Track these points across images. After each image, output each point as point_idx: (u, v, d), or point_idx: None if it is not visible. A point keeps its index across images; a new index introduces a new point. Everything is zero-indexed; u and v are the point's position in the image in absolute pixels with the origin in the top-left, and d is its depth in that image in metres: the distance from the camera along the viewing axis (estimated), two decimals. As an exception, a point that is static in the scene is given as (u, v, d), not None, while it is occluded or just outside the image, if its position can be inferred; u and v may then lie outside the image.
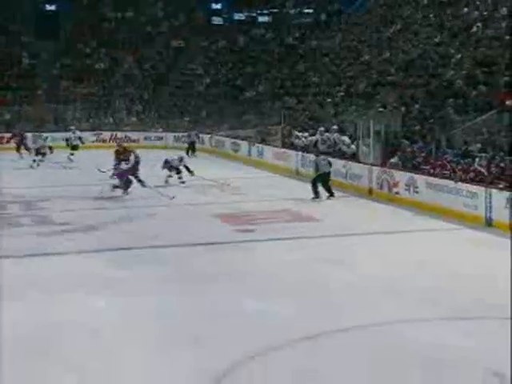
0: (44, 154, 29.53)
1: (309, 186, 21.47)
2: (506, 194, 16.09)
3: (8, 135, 37.08)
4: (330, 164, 21.71)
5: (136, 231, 16.95)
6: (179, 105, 40.53)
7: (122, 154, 21.58)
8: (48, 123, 38.07)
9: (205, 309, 11.03)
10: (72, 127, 33.44)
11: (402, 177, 20.11)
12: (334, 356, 9.11)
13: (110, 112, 40.41)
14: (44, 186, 24.26)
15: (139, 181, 21.06)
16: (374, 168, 21.68)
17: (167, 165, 24.32)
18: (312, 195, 20.60)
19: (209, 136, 35.89)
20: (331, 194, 20.85)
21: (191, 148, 34.09)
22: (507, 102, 20.80)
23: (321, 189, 20.74)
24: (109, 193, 20.99)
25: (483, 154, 19.19)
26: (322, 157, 22.08)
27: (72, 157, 31.54)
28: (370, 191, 20.87)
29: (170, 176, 24.21)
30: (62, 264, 13.73)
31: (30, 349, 9.35)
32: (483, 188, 16.83)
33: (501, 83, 22.71)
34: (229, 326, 10.17)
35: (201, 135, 36.07)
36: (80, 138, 32.62)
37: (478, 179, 17.72)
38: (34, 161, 29.65)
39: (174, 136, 37.72)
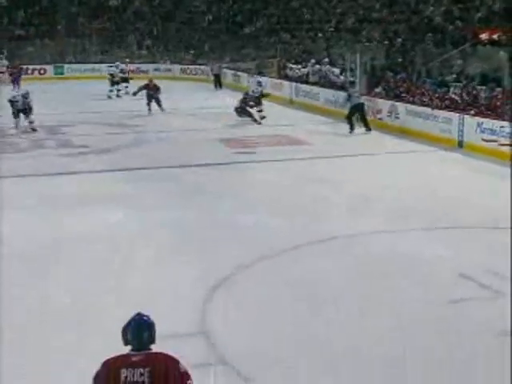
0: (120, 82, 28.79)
1: (301, 113, 21.52)
2: (477, 119, 16.25)
3: (32, 67, 36.23)
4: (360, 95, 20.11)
5: (147, 153, 16.90)
6: (184, 39, 39.84)
7: (151, 88, 22.30)
8: (68, 55, 37.69)
9: (206, 220, 11.17)
10: (117, 62, 30.71)
11: (384, 104, 20.23)
12: (317, 263, 9.21)
13: (122, 46, 39.76)
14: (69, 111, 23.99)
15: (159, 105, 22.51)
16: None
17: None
18: (348, 129, 18.86)
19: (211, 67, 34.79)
20: (368, 129, 18.94)
21: (218, 81, 32.98)
22: (480, 36, 20.62)
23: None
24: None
25: (457, 84, 19.19)
26: (354, 89, 20.39)
27: (127, 89, 28.71)
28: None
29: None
30: (79, 182, 13.74)
31: (53, 256, 9.48)
32: (457, 114, 16.96)
33: (475, 19, 22.41)
34: (227, 236, 10.29)
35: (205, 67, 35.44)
36: (122, 71, 29.98)
37: (452, 106, 17.75)
38: (111, 91, 28.51)
39: (181, 68, 37.08)
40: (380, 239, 10.04)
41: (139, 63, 37.40)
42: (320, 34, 31.28)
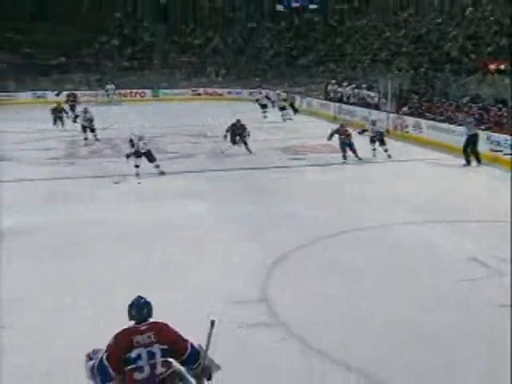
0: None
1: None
2: (487, 133, 15.70)
3: (135, 91, 36.35)
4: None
5: (222, 159, 16.73)
6: (252, 69, 39.58)
7: (238, 128, 16.51)
8: (162, 82, 37.55)
9: (268, 211, 11.03)
10: (259, 89, 29.16)
11: (410, 121, 19.70)
12: (359, 246, 9.00)
13: (204, 74, 39.75)
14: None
15: (245, 143, 16.86)
16: (391, 115, 21.16)
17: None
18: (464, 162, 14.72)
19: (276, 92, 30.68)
20: (478, 161, 14.52)
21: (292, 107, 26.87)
22: (489, 66, 20.22)
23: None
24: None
25: (473, 104, 18.60)
26: (469, 119, 15.53)
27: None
28: (388, 131, 20.19)
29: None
30: (169, 180, 13.75)
31: (153, 234, 9.57)
32: None
33: (485, 52, 21.96)
34: (284, 224, 10.11)
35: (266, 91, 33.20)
36: (267, 97, 26.58)
37: None
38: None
39: (249, 92, 35.58)
40: (410, 229, 9.75)
41: (216, 88, 37.47)
42: (359, 65, 30.78)
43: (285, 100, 25.10)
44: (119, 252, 8.84)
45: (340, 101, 26.97)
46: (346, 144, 15.23)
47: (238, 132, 16.75)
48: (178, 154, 17.51)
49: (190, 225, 10.15)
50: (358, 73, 29.59)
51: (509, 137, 14.73)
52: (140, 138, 13.76)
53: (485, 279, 7.55)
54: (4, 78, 34.22)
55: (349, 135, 15.27)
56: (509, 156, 14.37)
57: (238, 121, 16.74)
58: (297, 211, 10.84)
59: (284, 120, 23.89)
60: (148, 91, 36.67)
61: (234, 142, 16.79)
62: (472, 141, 14.76)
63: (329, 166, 15.40)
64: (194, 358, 4.03)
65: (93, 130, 19.00)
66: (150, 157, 13.89)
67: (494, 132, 15.80)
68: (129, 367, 3.93)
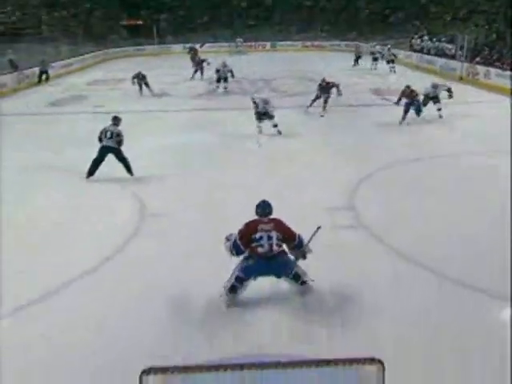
0: None
1: (424, 75, 19.56)
2: None
3: (258, 43, 34.87)
4: None
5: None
6: (350, 25, 35.35)
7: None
8: (278, 36, 35.73)
9: (359, 138, 10.54)
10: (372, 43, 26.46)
11: (481, 69, 17.77)
12: (434, 169, 8.53)
13: (312, 29, 36.51)
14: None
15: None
16: (465, 64, 19.17)
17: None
18: None
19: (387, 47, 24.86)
20: None
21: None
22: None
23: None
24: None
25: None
26: None
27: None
28: (461, 78, 18.54)
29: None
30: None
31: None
32: None
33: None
34: (371, 148, 9.69)
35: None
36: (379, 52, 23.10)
37: None
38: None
39: (346, 44, 33.11)
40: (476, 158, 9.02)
41: (321, 41, 35.13)
42: (441, 21, 27.84)
43: (393, 55, 22.55)
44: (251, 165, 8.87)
45: (421, 52, 24.81)
46: (410, 104, 11.66)
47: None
48: (287, 92, 17.02)
49: (297, 151, 9.86)
50: (439, 28, 26.74)
51: None
52: (265, 102, 10.71)
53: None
54: (164, 33, 34.84)
55: (415, 95, 11.63)
56: None
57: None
58: (381, 141, 10.37)
59: (390, 71, 21.60)
60: (268, 43, 35.19)
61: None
62: None
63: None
64: (299, 245, 4.46)
65: (226, 80, 17.15)
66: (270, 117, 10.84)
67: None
68: (254, 244, 4.37)
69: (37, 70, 19.90)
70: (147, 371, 2.49)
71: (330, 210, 6.69)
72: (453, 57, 21.07)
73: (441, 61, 21.50)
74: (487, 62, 18.56)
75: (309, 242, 4.50)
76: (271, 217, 4.53)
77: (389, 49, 22.93)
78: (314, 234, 4.46)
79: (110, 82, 19.94)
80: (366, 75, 21.21)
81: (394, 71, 21.27)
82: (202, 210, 6.80)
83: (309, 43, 35.51)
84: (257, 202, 4.65)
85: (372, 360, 2.57)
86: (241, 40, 33.56)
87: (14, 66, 19.43)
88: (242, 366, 2.49)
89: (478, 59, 19.42)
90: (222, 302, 4.55)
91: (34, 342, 4.21)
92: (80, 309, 4.68)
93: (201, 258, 5.42)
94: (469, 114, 12.76)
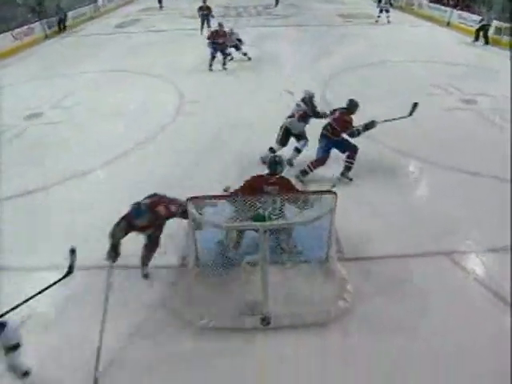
0: None
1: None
2: (459, 12, 14.85)
3: None
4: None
5: (306, 20, 17.01)
6: None
7: None
8: None
9: (323, 51, 11.92)
10: None
11: (415, 0, 18.44)
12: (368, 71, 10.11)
13: None
14: None
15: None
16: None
17: None
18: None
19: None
20: (487, 43, 12.93)
21: None
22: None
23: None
24: None
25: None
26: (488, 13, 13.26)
27: None
28: (401, 7, 19.54)
29: None
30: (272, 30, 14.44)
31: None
32: (448, 8, 15.68)
33: None
34: (333, 57, 11.25)
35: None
36: None
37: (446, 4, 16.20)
38: None
39: None
40: (403, 64, 10.63)
41: None
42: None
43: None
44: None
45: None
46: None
47: None
48: (280, 15, 18.28)
49: (281, 54, 11.48)
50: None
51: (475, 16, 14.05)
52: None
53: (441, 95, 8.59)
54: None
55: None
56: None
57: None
58: (338, 50, 11.96)
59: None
60: None
61: None
62: (485, 28, 12.90)
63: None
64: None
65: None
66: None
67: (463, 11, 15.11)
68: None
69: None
70: (189, 199, 3.22)
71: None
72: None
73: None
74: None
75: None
76: (280, 176, 3.88)
77: None
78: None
79: (154, 9, 21.29)
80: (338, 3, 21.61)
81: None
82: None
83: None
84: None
85: (329, 192, 3.41)
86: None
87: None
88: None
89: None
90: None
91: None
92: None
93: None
94: (401, 31, 14.70)
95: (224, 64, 10.52)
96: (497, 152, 6.44)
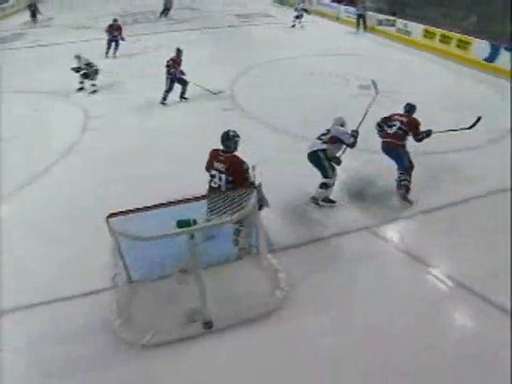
0: None
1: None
2: (346, 7, 16.11)
3: None
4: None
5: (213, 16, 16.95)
6: None
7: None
8: None
9: (238, 50, 12.16)
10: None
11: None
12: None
13: None
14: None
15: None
16: None
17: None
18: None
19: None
20: (365, 28, 14.76)
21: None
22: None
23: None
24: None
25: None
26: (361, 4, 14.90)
27: None
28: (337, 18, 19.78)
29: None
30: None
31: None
32: (336, 4, 16.98)
33: None
34: (246, 54, 11.47)
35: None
36: None
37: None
38: None
39: None
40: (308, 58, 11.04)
41: None
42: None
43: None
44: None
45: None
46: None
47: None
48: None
49: (195, 61, 10.79)
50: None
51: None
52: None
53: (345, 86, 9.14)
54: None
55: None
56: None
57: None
58: (241, 52, 11.94)
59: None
60: None
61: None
62: (362, 17, 14.59)
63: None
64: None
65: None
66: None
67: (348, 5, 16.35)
68: (209, 178, 3.83)
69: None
70: (110, 215, 2.99)
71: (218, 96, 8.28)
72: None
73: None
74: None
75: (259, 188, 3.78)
76: (232, 154, 3.78)
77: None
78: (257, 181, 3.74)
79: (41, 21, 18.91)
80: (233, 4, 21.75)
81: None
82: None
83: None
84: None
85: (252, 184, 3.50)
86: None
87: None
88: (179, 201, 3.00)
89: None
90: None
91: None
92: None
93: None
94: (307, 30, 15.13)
95: None
96: None
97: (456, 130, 5.31)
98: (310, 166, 4.92)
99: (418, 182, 5.22)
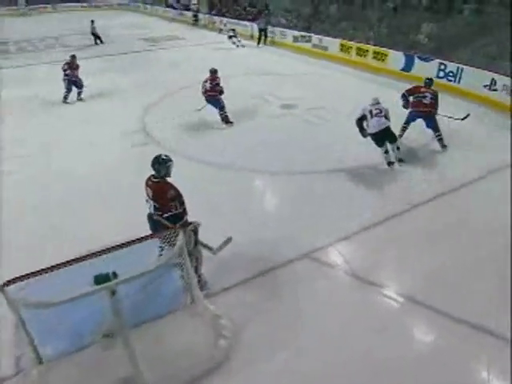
0: None
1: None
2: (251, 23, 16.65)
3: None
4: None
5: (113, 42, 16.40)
6: None
7: None
8: None
9: (144, 77, 11.84)
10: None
11: (217, 19, 20.38)
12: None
13: None
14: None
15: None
16: (206, 15, 22.03)
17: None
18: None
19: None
20: (265, 42, 16.33)
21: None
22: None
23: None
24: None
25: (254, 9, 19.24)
26: (262, 19, 16.66)
27: None
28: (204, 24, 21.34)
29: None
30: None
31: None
32: (249, 22, 17.56)
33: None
34: (157, 85, 11.13)
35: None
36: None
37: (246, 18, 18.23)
38: None
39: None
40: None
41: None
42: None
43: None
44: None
45: (171, 7, 27.29)
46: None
47: None
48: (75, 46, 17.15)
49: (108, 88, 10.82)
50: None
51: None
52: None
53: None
54: None
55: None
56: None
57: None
58: (159, 74, 12.18)
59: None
60: (49, 6, 33.02)
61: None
62: (263, 31, 16.09)
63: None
64: (172, 221, 3.56)
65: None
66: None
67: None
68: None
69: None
70: (6, 283, 2.68)
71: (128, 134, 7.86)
72: (197, 10, 23.84)
73: (189, 13, 23.94)
74: (221, 13, 21.38)
75: (220, 248, 3.85)
76: (163, 180, 3.68)
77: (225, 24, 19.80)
78: (225, 244, 3.85)
79: None
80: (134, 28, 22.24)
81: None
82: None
83: (85, 4, 35.14)
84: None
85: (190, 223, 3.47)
86: (23, 3, 32.13)
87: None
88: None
89: (214, 11, 22.44)
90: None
91: None
92: None
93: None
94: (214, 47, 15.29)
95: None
96: (329, 149, 7.16)
97: (452, 118, 7.07)
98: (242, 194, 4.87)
99: (341, 203, 5.39)
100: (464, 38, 10.82)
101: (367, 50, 12.67)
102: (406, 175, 6.27)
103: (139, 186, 3.89)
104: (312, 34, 14.81)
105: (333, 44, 13.83)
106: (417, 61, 11.10)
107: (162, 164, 3.64)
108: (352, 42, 13.24)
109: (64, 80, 9.98)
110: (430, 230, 4.95)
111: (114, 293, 2.85)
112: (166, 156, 3.70)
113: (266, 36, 16.54)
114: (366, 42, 13.18)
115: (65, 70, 9.97)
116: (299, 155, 6.93)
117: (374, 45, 12.68)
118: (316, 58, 13.88)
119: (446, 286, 4.09)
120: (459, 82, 9.60)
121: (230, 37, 16.63)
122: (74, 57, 10.13)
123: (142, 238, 3.10)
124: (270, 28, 16.68)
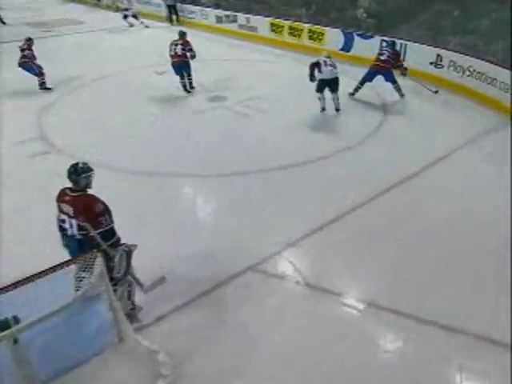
0: None
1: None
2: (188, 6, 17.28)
3: None
4: None
5: None
6: None
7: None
8: None
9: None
10: None
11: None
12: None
13: None
14: None
15: None
16: None
17: None
18: None
19: None
20: (178, 21, 17.10)
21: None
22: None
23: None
24: None
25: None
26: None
27: None
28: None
29: None
30: None
31: None
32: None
33: None
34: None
35: None
36: None
37: None
38: None
39: None
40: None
41: None
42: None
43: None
44: None
45: None
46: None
47: None
48: None
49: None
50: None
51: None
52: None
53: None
54: None
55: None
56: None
57: None
58: (53, 67, 11.33)
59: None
60: None
61: None
62: (171, 7, 16.96)
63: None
64: (104, 239, 3.47)
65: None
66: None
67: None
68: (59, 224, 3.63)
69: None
70: None
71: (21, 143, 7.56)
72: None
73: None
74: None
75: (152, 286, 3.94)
76: (84, 193, 3.55)
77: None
78: (157, 283, 3.95)
79: None
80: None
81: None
82: None
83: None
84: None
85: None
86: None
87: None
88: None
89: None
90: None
91: None
92: None
93: None
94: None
95: None
96: (264, 144, 7.33)
97: (427, 88, 9.08)
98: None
99: (281, 205, 5.52)
100: (406, 12, 11.35)
101: (301, 30, 12.97)
102: (345, 170, 6.47)
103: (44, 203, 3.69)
104: (237, 13, 14.95)
105: (262, 24, 14.04)
106: (357, 39, 11.51)
107: (80, 175, 3.53)
108: (284, 21, 13.48)
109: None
110: (376, 227, 5.16)
111: (16, 341, 2.73)
112: (83, 164, 3.61)
113: (176, 14, 16.90)
114: (298, 19, 13.45)
115: (22, 50, 10.15)
116: (232, 154, 6.98)
117: (308, 22, 12.99)
118: (244, 41, 13.97)
119: (402, 286, 4.28)
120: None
121: (126, 16, 16.94)
122: (30, 39, 10.38)
123: (52, 267, 2.97)
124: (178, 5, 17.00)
